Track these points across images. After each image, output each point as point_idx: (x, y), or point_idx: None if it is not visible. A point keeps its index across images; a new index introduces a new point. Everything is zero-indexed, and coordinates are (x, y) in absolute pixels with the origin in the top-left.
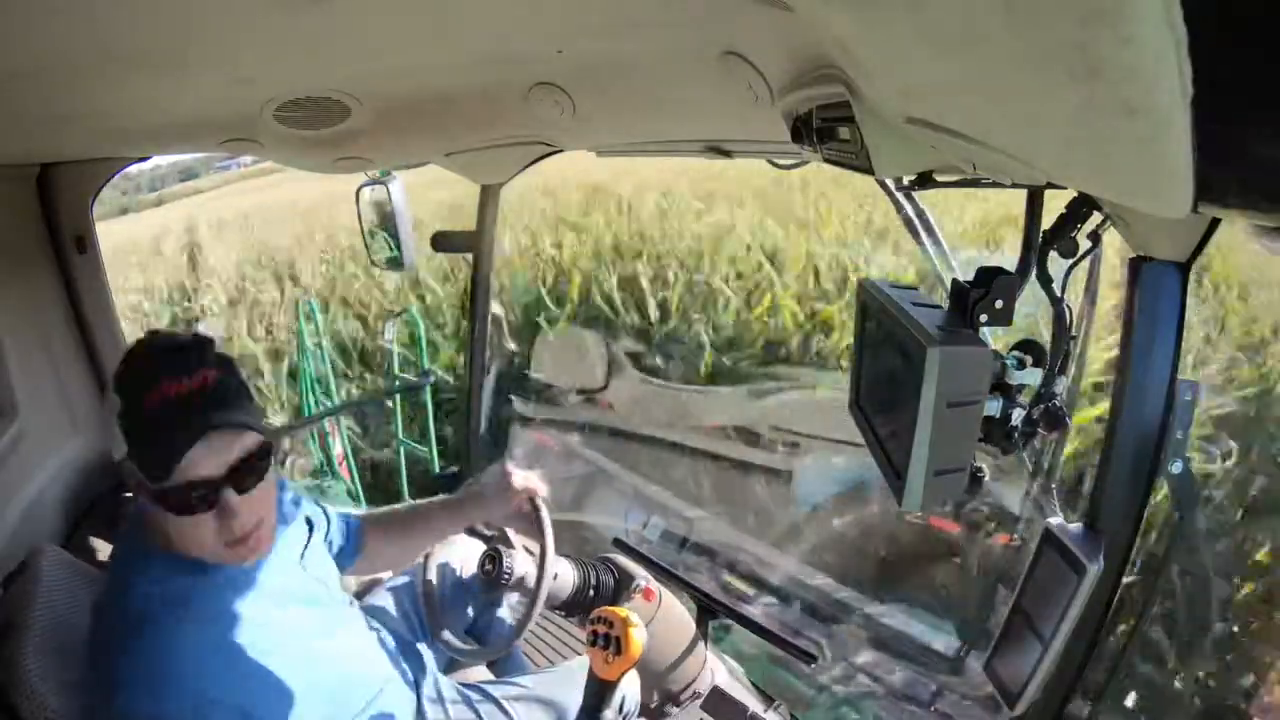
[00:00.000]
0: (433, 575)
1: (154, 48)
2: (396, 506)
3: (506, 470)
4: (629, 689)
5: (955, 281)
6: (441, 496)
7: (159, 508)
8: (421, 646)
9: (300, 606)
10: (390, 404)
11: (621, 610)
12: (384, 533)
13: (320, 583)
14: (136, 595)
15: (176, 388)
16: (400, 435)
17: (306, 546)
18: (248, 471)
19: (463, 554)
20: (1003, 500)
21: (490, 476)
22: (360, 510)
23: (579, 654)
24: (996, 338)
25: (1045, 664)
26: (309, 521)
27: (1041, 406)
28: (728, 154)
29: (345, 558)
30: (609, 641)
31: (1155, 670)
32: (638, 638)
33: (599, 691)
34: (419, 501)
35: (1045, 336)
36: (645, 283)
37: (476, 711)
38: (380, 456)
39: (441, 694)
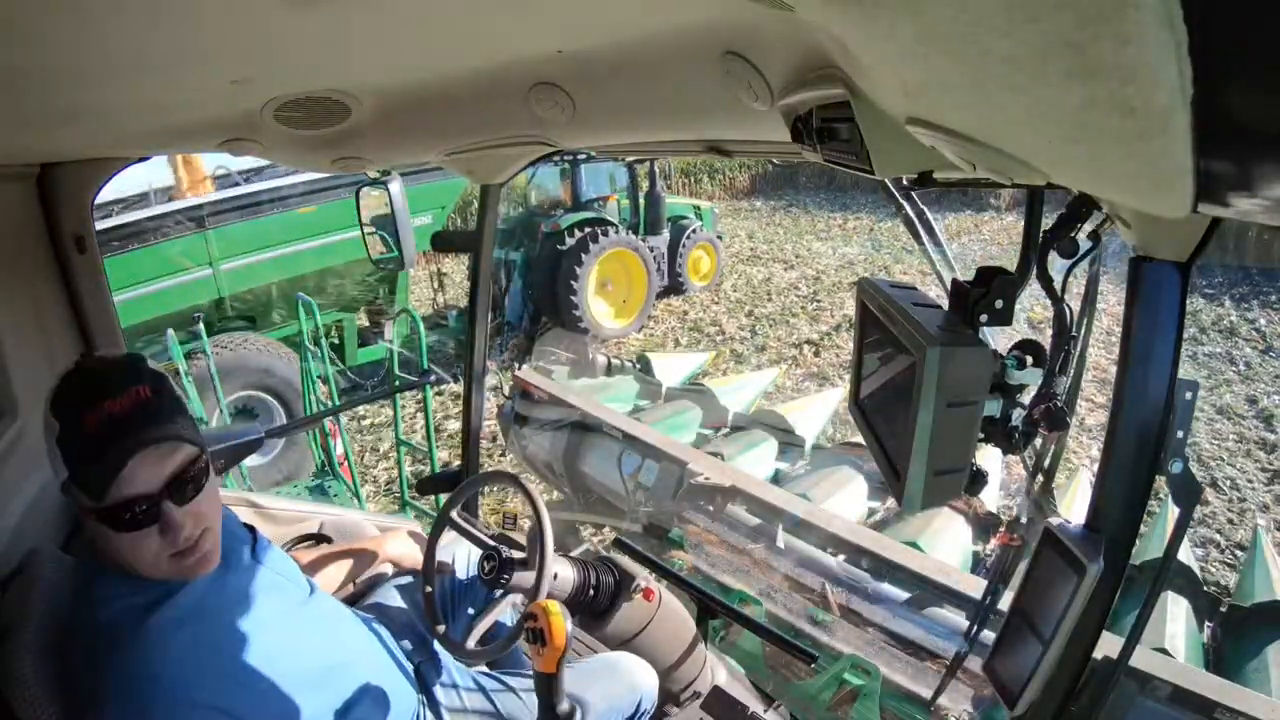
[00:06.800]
0: (433, 575)
1: (154, 48)
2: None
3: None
4: (645, 688)
5: (955, 281)
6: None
7: (104, 527)
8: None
9: (266, 602)
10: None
11: (545, 603)
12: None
13: (280, 576)
14: (105, 611)
15: (111, 406)
16: (400, 435)
17: (255, 544)
18: (185, 483)
19: (463, 554)
20: None
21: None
22: None
23: (579, 654)
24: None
25: (1045, 664)
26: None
27: (1042, 406)
28: (728, 154)
29: None
30: (536, 635)
31: None
32: (559, 625)
33: (542, 686)
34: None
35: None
36: None
37: (493, 701)
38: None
39: (457, 681)
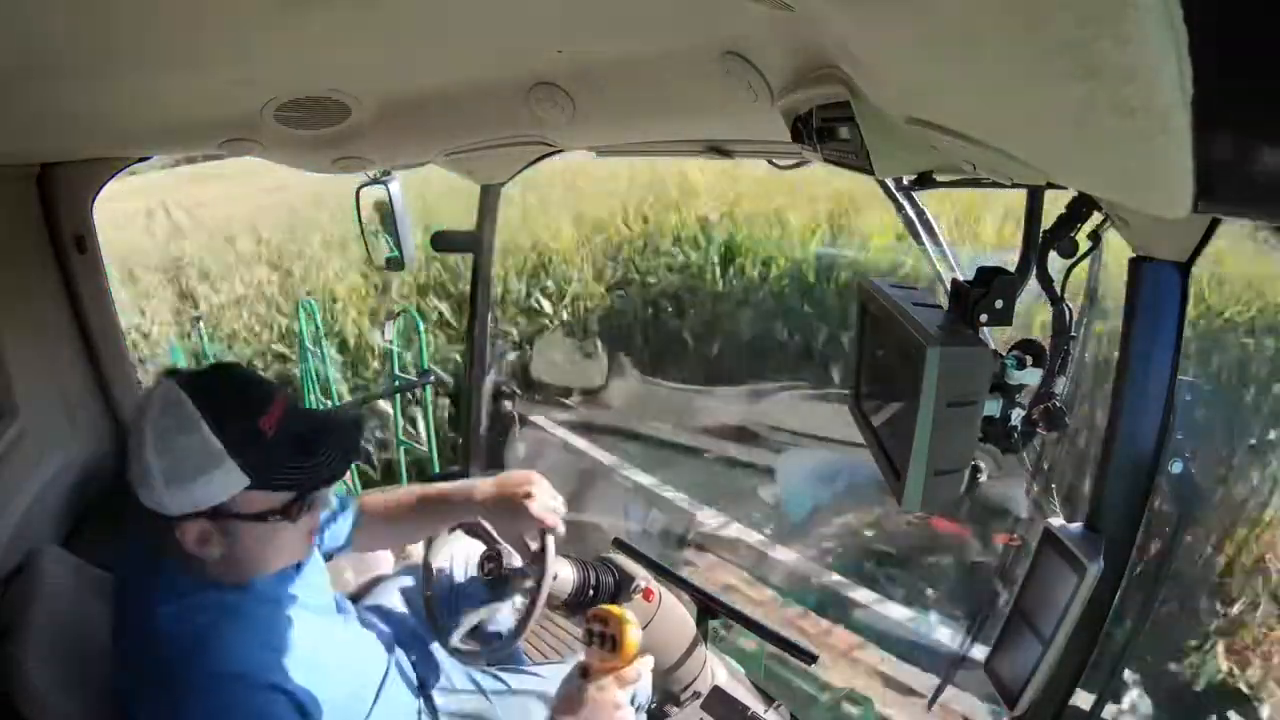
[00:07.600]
0: (433, 576)
1: (154, 47)
2: (397, 488)
3: (528, 487)
4: (641, 682)
5: (955, 281)
6: (447, 485)
7: (282, 522)
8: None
9: (308, 610)
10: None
11: (618, 609)
12: (383, 508)
13: (316, 589)
14: (179, 619)
15: (276, 408)
16: (400, 435)
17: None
18: None
19: (463, 554)
20: None
21: (511, 484)
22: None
23: (577, 653)
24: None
25: (1045, 664)
26: None
27: (1041, 406)
28: (728, 154)
29: (344, 538)
30: (604, 640)
31: None
32: (633, 637)
33: None
34: (420, 487)
35: None
36: None
37: (492, 702)
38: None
39: (456, 682)
